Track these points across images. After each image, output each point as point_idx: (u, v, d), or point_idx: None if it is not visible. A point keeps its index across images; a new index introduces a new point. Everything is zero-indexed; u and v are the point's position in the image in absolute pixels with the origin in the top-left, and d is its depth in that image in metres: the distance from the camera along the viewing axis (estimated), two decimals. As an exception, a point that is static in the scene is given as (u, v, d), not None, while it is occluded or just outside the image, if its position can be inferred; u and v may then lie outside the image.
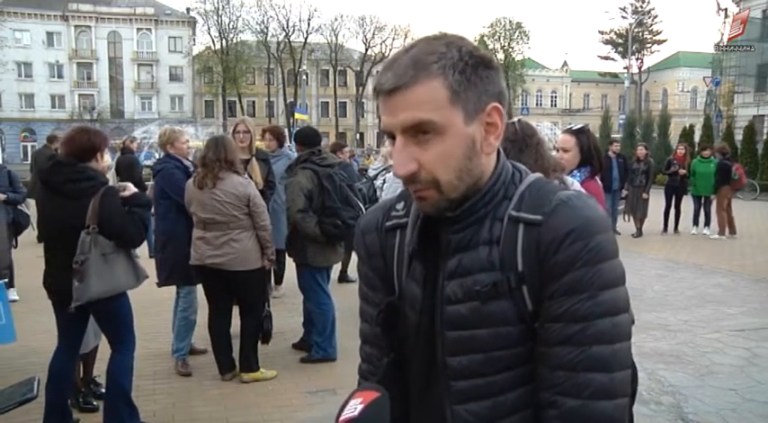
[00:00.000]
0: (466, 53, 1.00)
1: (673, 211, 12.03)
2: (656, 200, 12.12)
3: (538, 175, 1.12)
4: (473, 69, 1.01)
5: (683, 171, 11.92)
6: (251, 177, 4.78)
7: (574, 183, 2.83)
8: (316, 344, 4.92)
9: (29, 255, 7.45)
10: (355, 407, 1.00)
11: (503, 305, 1.03)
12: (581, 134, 3.37)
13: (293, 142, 5.30)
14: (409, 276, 1.14)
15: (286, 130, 6.94)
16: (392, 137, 1.03)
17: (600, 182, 3.44)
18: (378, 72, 1.04)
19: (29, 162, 15.31)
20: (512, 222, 1.04)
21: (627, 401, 1.02)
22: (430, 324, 1.09)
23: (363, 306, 1.25)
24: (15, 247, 6.72)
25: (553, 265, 0.99)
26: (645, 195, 11.40)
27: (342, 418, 0.99)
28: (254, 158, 5.31)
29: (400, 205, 1.18)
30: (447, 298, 1.06)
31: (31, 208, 7.22)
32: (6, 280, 5.19)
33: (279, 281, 6.84)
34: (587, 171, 3.35)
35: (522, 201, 1.05)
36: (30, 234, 7.17)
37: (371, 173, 7.37)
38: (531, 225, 1.02)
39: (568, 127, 3.54)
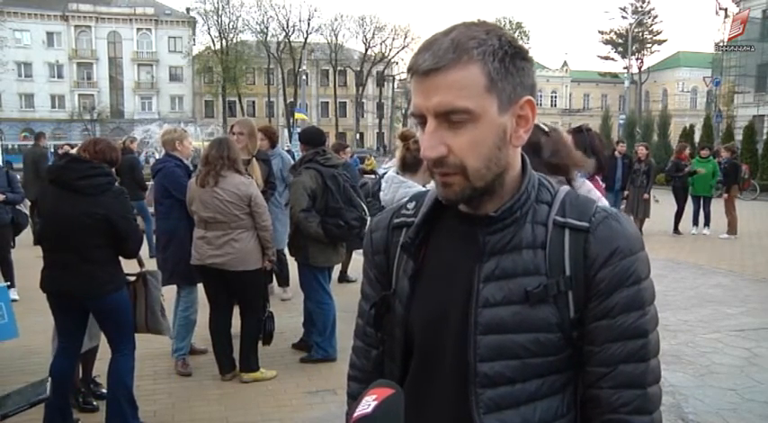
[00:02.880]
0: (506, 42, 1.00)
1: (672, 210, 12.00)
2: (658, 199, 12.12)
3: (567, 186, 1.15)
4: (511, 59, 1.00)
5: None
6: (251, 177, 4.78)
7: (584, 182, 2.80)
8: (316, 344, 4.92)
9: (29, 255, 7.45)
10: (369, 403, 0.98)
11: (547, 310, 1.02)
12: (578, 134, 3.36)
13: (297, 142, 5.29)
14: (403, 272, 1.14)
15: (286, 131, 6.92)
16: (422, 121, 1.01)
17: (601, 181, 3.44)
18: (413, 53, 1.02)
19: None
20: (558, 227, 1.05)
21: None
22: (461, 327, 1.06)
23: (361, 302, 1.26)
24: (14, 247, 6.72)
25: (602, 278, 1.01)
26: (645, 195, 11.39)
27: (355, 415, 0.98)
28: (254, 159, 5.31)
29: (411, 205, 1.19)
30: (484, 300, 1.04)
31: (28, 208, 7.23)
32: (8, 283, 5.19)
33: (285, 282, 6.80)
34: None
35: (564, 207, 1.06)
36: (28, 234, 7.18)
37: (381, 171, 7.38)
38: (578, 231, 1.03)
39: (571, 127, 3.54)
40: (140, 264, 3.76)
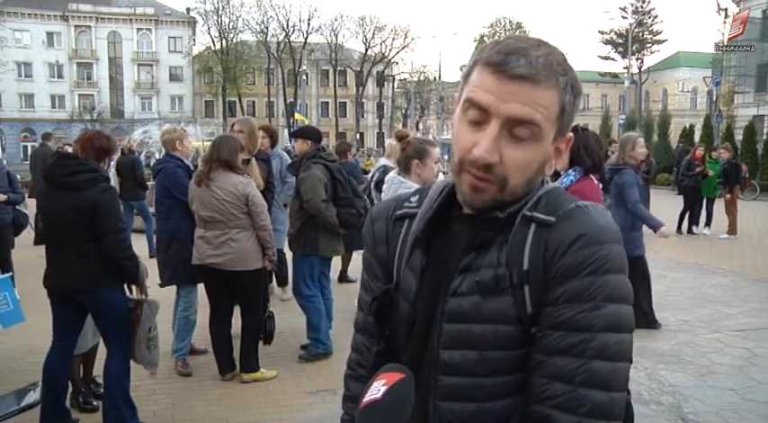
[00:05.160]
0: (576, 79, 1.04)
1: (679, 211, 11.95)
2: (658, 200, 12.10)
3: (557, 184, 1.13)
4: (577, 97, 1.04)
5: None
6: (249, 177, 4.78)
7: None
8: (313, 340, 4.96)
9: (29, 255, 7.45)
10: (378, 388, 0.98)
11: (503, 302, 1.01)
12: (574, 134, 3.36)
13: (295, 139, 5.29)
14: (408, 266, 1.13)
15: (286, 131, 6.91)
16: (479, 119, 1.00)
17: (597, 181, 3.43)
18: (490, 49, 1.01)
19: (28, 162, 15.31)
20: (524, 221, 1.03)
21: None
22: (430, 315, 1.08)
23: (362, 294, 1.24)
24: (13, 248, 6.72)
25: (559, 267, 0.98)
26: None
27: (365, 400, 0.98)
28: (253, 159, 5.31)
29: (415, 198, 1.19)
30: (453, 290, 1.05)
31: (29, 208, 7.23)
32: (11, 273, 5.20)
33: (284, 282, 6.80)
34: (581, 170, 3.35)
35: (538, 202, 1.05)
36: (29, 234, 7.18)
37: (378, 165, 7.38)
38: (543, 225, 1.01)
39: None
40: (143, 292, 3.67)
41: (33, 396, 1.14)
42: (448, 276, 1.07)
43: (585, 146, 3.35)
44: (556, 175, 3.29)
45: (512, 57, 0.98)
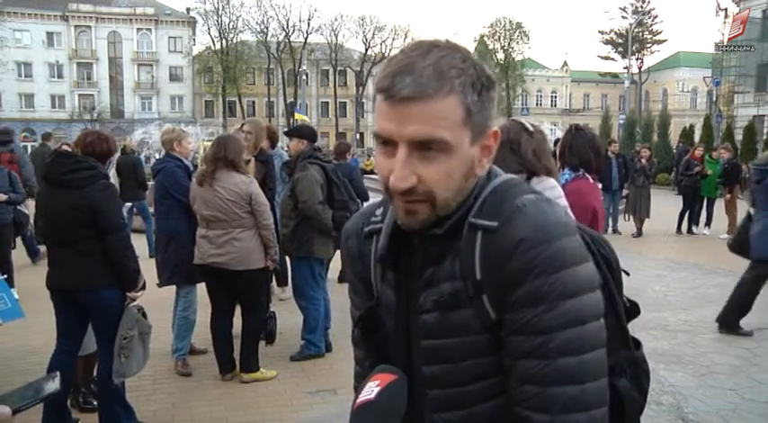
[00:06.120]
0: (482, 73, 0.98)
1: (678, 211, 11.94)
2: (658, 200, 12.10)
3: (508, 176, 1.09)
4: (486, 91, 0.99)
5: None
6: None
7: (544, 180, 2.74)
8: (307, 341, 4.96)
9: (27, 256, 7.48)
10: (372, 389, 1.00)
11: (465, 314, 1.01)
12: (566, 134, 3.36)
13: (290, 138, 5.29)
14: (385, 283, 1.13)
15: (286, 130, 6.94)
16: (386, 143, 0.98)
17: (593, 180, 3.41)
18: (382, 72, 0.98)
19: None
20: (471, 229, 1.01)
21: (604, 411, 0.98)
22: (405, 332, 1.09)
23: (351, 310, 1.26)
24: (14, 248, 6.72)
25: (509, 273, 0.97)
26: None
27: (358, 401, 1.00)
28: (253, 159, 5.32)
29: (379, 211, 1.17)
30: (420, 307, 1.05)
31: (30, 208, 7.23)
32: (5, 276, 5.19)
33: (284, 282, 6.80)
34: (572, 169, 3.33)
35: (483, 206, 1.02)
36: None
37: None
38: (488, 232, 1.00)
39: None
40: (132, 296, 3.51)
41: (53, 386, 1.16)
42: (415, 293, 1.07)
43: (571, 145, 3.34)
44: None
45: (398, 78, 0.94)
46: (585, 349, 0.96)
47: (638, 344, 1.19)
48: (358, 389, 1.04)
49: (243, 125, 5.61)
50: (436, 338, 1.04)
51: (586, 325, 0.96)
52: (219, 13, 58.07)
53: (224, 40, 58.26)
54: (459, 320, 1.01)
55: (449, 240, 1.03)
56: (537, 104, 68.81)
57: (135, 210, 9.66)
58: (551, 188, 2.58)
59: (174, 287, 4.85)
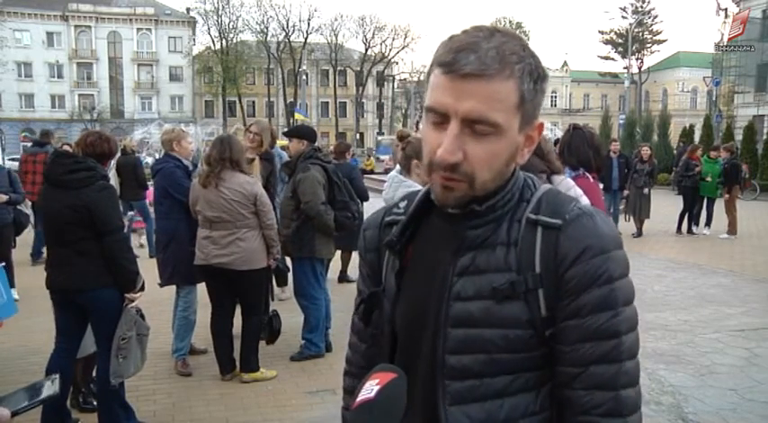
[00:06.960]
0: (539, 63, 1.02)
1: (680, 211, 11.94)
2: (658, 200, 12.09)
3: (550, 185, 1.14)
4: (540, 82, 1.02)
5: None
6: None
7: (564, 180, 2.78)
8: (307, 341, 4.96)
9: (29, 255, 7.49)
10: (371, 388, 0.99)
11: (516, 307, 1.02)
12: (565, 134, 3.37)
13: (289, 139, 5.28)
14: (391, 269, 1.15)
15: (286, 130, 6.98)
16: (440, 120, 0.99)
17: (593, 179, 3.41)
18: (443, 47, 1.00)
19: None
20: (530, 225, 1.04)
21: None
22: (429, 320, 1.08)
23: (357, 299, 1.27)
24: (14, 247, 6.72)
25: (572, 277, 0.99)
26: (646, 190, 11.34)
27: (358, 400, 1.00)
28: (257, 158, 5.33)
29: (403, 204, 1.20)
30: (456, 294, 1.04)
31: (30, 208, 7.23)
32: (3, 264, 5.19)
33: (284, 282, 6.80)
34: (572, 168, 3.34)
35: (540, 205, 1.05)
36: (29, 234, 7.19)
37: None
38: (550, 228, 1.02)
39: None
40: (130, 297, 3.49)
41: (52, 388, 1.15)
42: (442, 279, 1.07)
43: (569, 145, 3.35)
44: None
45: (461, 54, 0.96)
46: (636, 352, 1.03)
47: None
48: (357, 388, 1.04)
49: (250, 126, 5.71)
50: (474, 328, 1.03)
51: (636, 330, 1.03)
52: (219, 13, 58.17)
53: (224, 40, 58.31)
54: (510, 312, 1.02)
55: (489, 226, 1.05)
56: (537, 104, 68.60)
57: (136, 209, 9.68)
58: (572, 188, 2.62)
59: (173, 287, 4.85)
